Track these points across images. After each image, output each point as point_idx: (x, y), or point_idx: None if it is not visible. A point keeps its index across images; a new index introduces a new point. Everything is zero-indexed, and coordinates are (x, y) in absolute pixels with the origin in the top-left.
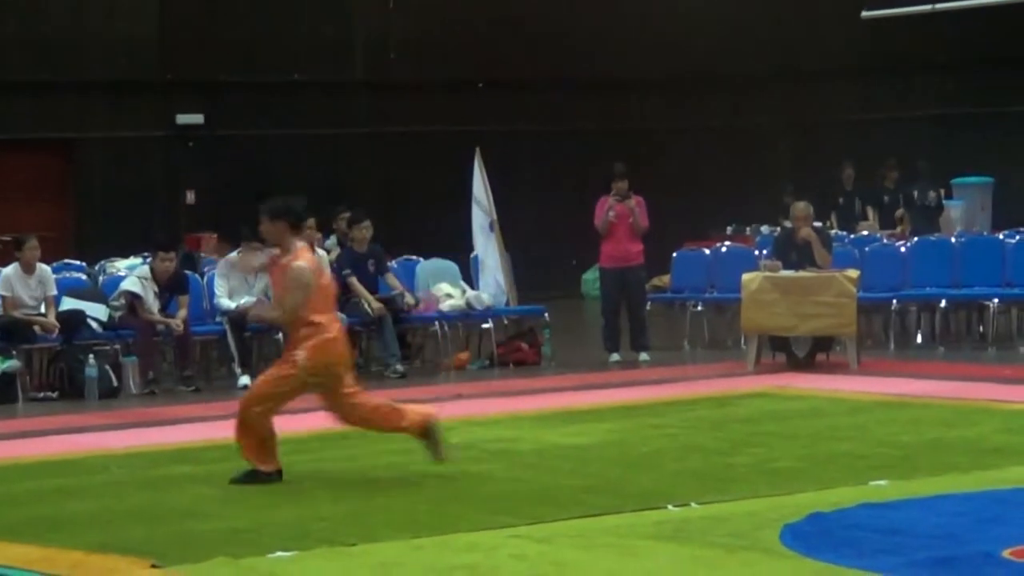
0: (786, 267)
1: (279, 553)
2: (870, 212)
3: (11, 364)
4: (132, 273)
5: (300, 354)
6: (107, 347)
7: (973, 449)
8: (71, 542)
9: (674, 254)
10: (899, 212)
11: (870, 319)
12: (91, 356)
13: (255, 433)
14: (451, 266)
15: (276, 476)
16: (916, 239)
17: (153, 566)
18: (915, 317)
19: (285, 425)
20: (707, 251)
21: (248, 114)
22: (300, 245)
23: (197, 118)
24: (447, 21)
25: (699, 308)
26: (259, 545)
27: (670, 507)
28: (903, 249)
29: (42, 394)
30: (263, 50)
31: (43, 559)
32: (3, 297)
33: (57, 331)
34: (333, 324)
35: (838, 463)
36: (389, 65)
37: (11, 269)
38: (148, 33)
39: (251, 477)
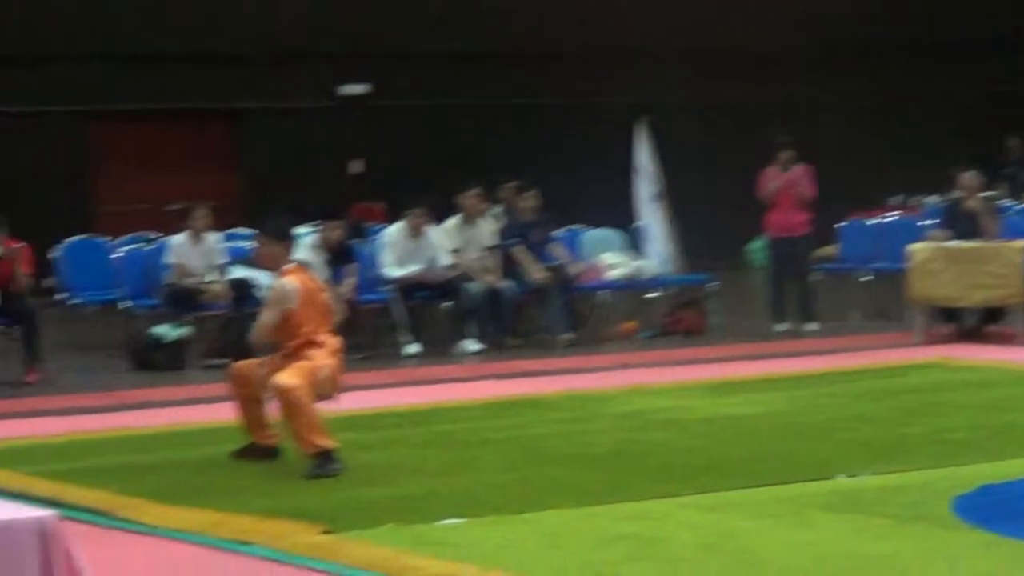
0: (953, 237)
1: (448, 520)
2: None
3: (182, 331)
4: (301, 242)
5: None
6: None
7: None
8: (243, 507)
9: (840, 224)
10: None
11: None
12: None
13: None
14: (617, 235)
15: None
16: None
17: (324, 532)
18: None
19: (452, 393)
20: (874, 221)
21: (414, 84)
22: (291, 265)
23: (363, 88)
24: None
25: (866, 278)
26: (429, 512)
27: (840, 477)
28: None
29: (212, 361)
30: (426, 20)
31: (215, 524)
32: (173, 265)
33: (226, 299)
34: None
35: (1009, 434)
36: (550, 35)
37: (181, 237)
38: (314, 3)
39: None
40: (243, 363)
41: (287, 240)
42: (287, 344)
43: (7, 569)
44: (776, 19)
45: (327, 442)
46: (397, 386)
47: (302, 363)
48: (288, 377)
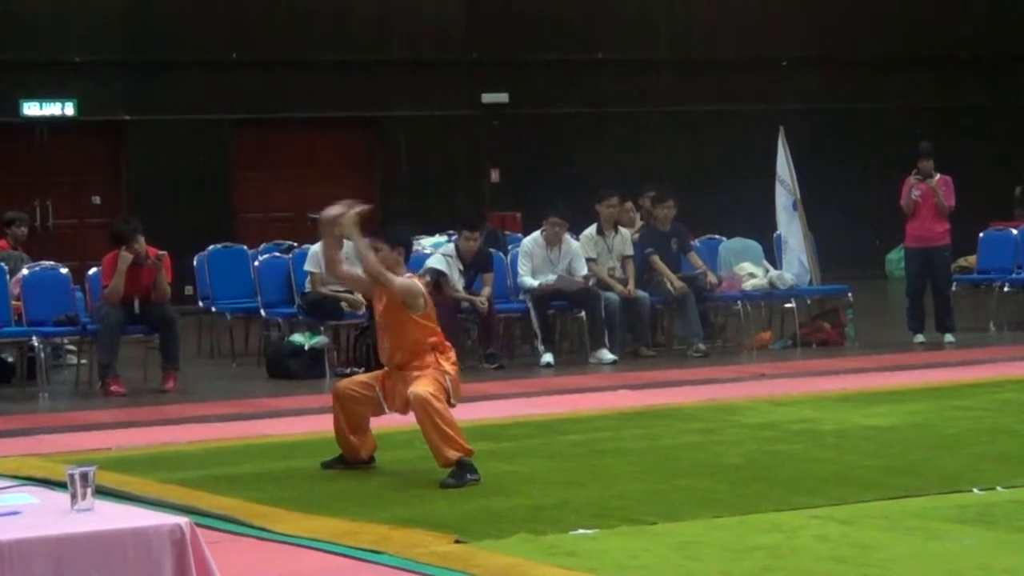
0: None
1: (580, 530)
2: None
3: (319, 340)
4: (437, 251)
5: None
6: None
7: None
8: (376, 516)
9: (980, 234)
10: None
11: None
12: None
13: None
14: (754, 245)
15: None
16: None
17: (456, 541)
18: None
19: (586, 403)
20: (1014, 231)
21: (552, 93)
22: (410, 274)
23: (502, 97)
24: (749, 1)
25: (1006, 289)
26: (561, 522)
27: (975, 490)
28: None
29: (349, 370)
30: (567, 29)
31: (349, 532)
32: (311, 274)
33: (363, 308)
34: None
35: None
36: (692, 44)
37: (319, 246)
38: (454, 12)
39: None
40: (348, 382)
41: (403, 247)
42: (410, 353)
43: (142, 575)
44: (916, 25)
45: (463, 453)
46: (532, 395)
47: (431, 371)
48: (424, 386)
